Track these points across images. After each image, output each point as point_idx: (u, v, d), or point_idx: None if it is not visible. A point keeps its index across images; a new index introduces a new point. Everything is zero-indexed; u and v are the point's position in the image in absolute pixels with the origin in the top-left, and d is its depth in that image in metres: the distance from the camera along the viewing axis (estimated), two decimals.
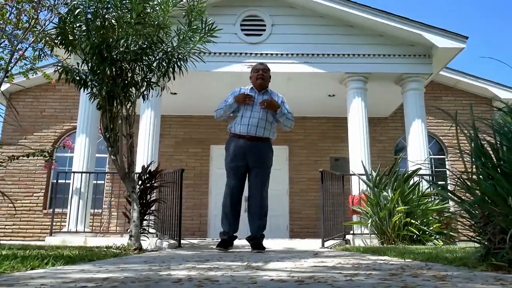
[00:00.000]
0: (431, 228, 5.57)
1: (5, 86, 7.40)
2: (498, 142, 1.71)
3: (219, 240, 4.27)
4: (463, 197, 1.75)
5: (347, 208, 6.56)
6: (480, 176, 1.65)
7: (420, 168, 5.90)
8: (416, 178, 6.00)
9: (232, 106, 4.21)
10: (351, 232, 6.35)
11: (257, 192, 4.17)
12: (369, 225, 5.74)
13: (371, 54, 7.43)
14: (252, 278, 1.38)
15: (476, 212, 1.63)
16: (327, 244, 5.61)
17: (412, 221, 5.43)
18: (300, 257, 2.73)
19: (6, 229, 8.76)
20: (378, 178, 6.03)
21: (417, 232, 5.35)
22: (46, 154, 4.33)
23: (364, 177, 6.26)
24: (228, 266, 1.94)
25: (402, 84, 7.56)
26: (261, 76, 4.32)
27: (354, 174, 6.67)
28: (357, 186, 6.58)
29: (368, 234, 5.93)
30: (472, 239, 1.67)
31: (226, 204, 4.19)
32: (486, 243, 1.57)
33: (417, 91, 7.40)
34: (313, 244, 5.84)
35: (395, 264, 2.00)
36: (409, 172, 6.05)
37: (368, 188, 6.13)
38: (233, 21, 7.52)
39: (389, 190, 5.79)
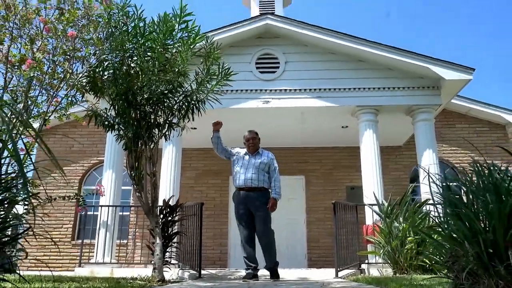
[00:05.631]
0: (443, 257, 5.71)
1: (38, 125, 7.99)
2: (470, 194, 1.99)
3: (239, 270, 4.87)
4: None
5: (361, 237, 6.76)
6: (450, 221, 1.94)
7: (429, 199, 6.08)
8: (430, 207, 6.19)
9: (214, 142, 5.53)
10: (366, 261, 6.54)
11: (262, 231, 5.04)
12: (381, 255, 5.92)
13: (381, 87, 7.73)
14: None
15: (446, 251, 1.91)
16: (341, 273, 5.82)
17: (423, 250, 5.59)
18: None
19: (37, 260, 9.22)
20: (389, 208, 6.24)
21: (428, 262, 5.50)
22: (81, 199, 4.77)
23: (376, 208, 6.47)
24: None
25: (412, 115, 7.82)
26: (251, 145, 5.33)
27: (366, 205, 6.88)
28: (370, 216, 6.79)
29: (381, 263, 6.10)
30: (444, 274, 1.94)
31: (244, 246, 5.10)
32: (453, 279, 1.85)
33: (427, 122, 7.63)
34: (328, 273, 6.05)
35: None
36: (420, 202, 6.24)
37: (380, 218, 6.34)
38: (248, 60, 7.98)
39: (400, 220, 5.99)
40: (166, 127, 5.25)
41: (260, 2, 10.88)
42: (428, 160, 7.35)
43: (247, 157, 5.29)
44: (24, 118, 4.47)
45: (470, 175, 2.10)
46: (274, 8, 10.60)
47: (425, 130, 7.61)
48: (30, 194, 2.63)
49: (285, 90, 7.82)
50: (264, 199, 5.09)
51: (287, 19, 8.09)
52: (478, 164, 1.94)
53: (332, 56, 8.02)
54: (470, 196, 1.91)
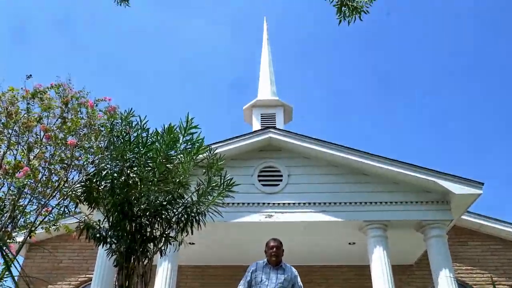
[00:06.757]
0: None
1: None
2: None
3: None
4: None
5: None
6: None
7: None
8: None
9: None
10: None
11: None
12: None
13: (388, 202, 7.45)
14: None
15: None
16: None
17: None
18: None
19: None
20: None
21: None
22: None
23: None
24: None
25: (423, 231, 7.41)
26: (275, 254, 4.60)
27: None
28: None
29: None
30: None
31: None
32: None
33: (439, 238, 7.19)
34: None
35: None
36: None
37: None
38: (250, 173, 7.83)
39: None
40: (163, 241, 4.84)
41: (262, 118, 11.20)
42: (445, 281, 6.74)
43: (268, 270, 4.60)
44: (8, 230, 4.10)
45: None
46: (275, 124, 10.85)
47: (439, 247, 7.13)
48: None
49: (289, 203, 7.52)
50: None
51: (288, 132, 8.15)
52: None
53: (335, 169, 7.89)
54: None
